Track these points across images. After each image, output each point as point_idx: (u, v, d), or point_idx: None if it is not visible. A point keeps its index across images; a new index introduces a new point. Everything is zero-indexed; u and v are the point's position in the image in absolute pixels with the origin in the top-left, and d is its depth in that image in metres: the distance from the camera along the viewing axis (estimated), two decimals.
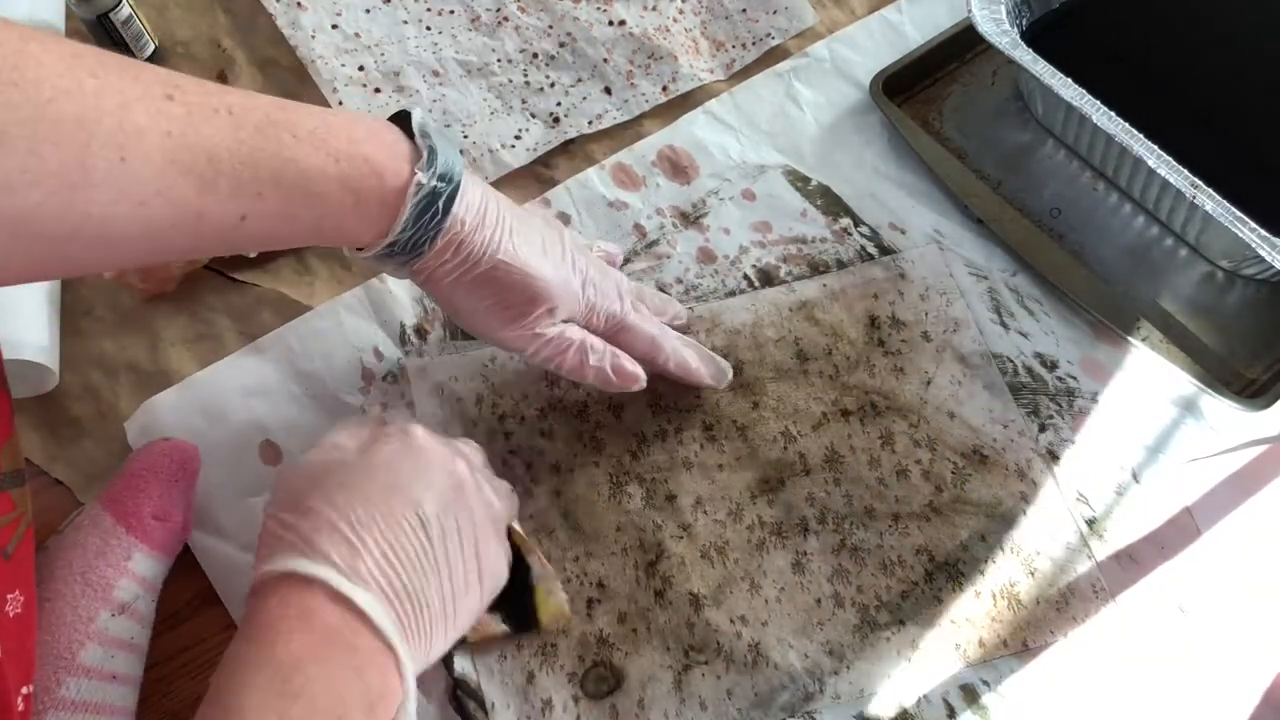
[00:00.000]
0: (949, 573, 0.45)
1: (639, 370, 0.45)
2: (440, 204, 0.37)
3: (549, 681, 0.43)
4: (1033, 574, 0.46)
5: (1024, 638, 0.44)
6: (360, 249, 0.38)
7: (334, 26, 0.61)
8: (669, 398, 0.49)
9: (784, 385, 0.49)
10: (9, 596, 0.34)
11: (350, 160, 0.35)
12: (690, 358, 0.47)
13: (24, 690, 0.33)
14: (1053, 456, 0.49)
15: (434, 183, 0.37)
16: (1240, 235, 0.45)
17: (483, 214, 0.39)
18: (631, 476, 0.47)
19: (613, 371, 0.44)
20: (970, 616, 0.44)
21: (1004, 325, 0.52)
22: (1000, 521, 0.47)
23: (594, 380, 0.44)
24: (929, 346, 0.51)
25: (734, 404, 0.49)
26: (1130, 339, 0.50)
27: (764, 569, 0.45)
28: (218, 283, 0.53)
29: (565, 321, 0.43)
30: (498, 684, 0.43)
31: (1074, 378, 0.51)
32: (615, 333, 0.45)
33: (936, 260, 0.53)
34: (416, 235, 0.38)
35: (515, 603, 0.42)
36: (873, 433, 0.48)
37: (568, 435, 0.48)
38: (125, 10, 0.55)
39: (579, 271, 0.43)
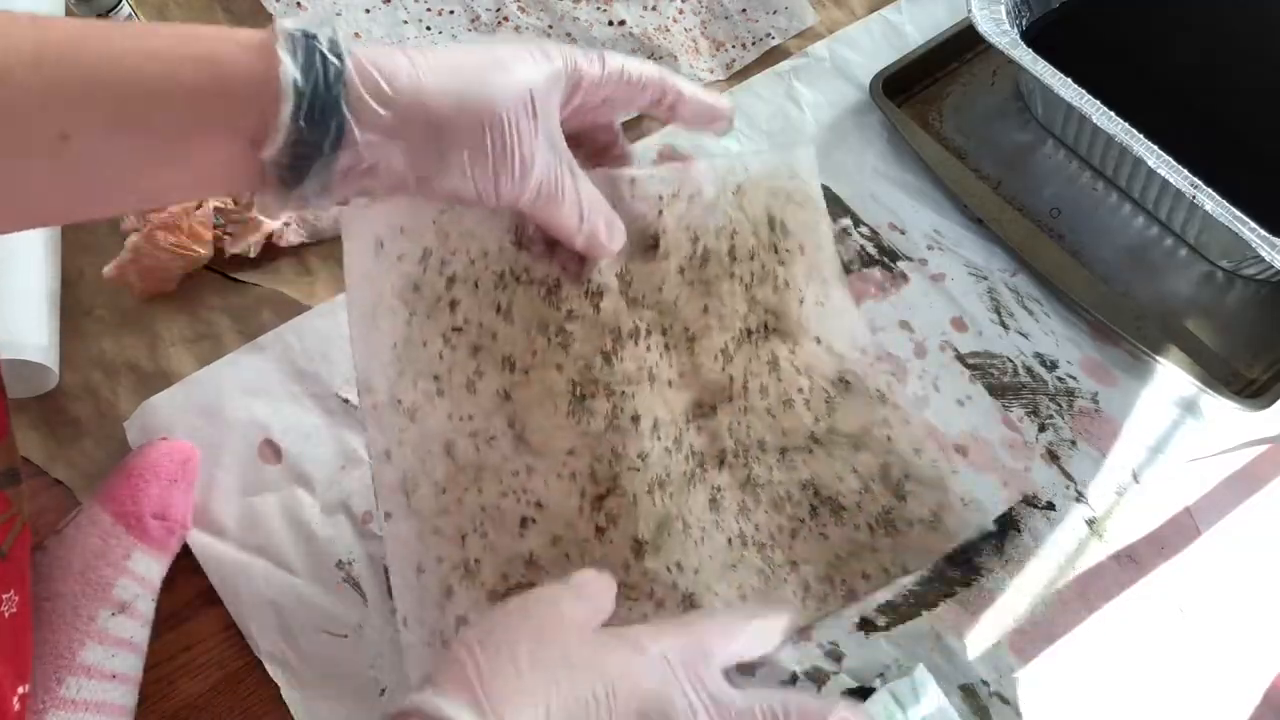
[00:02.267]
0: (831, 506, 0.44)
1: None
2: (323, 52, 0.28)
3: (467, 598, 0.38)
4: (903, 499, 0.45)
5: (903, 564, 0.44)
6: (271, 189, 0.29)
7: None
8: (640, 284, 0.40)
9: (727, 285, 0.42)
10: (4, 596, 0.34)
11: (198, 42, 0.28)
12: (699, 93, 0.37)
13: (20, 690, 0.33)
14: (1052, 456, 0.48)
15: (302, 31, 0.28)
16: (1240, 235, 0.45)
17: (390, 57, 0.29)
18: (600, 388, 0.39)
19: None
20: (853, 550, 0.44)
21: (1004, 325, 0.52)
22: (868, 450, 0.45)
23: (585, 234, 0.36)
24: (803, 261, 0.45)
25: (690, 304, 0.41)
26: (1130, 339, 0.50)
27: (690, 506, 0.40)
28: (217, 282, 0.53)
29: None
30: (414, 597, 0.38)
31: (1074, 378, 0.51)
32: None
33: (810, 164, 0.46)
34: (318, 103, 0.28)
35: None
36: (763, 357, 0.44)
37: (529, 320, 0.38)
38: (125, 10, 0.55)
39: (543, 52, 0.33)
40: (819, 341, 0.46)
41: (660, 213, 0.40)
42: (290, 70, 0.27)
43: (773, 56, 0.62)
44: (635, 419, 0.39)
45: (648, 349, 0.40)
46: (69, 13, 0.58)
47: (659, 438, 0.40)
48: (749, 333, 0.43)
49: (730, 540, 0.41)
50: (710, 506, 0.41)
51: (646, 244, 0.40)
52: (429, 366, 0.38)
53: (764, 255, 0.44)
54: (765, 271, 0.44)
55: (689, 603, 0.39)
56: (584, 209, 0.35)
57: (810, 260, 0.45)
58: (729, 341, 0.42)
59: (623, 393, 0.39)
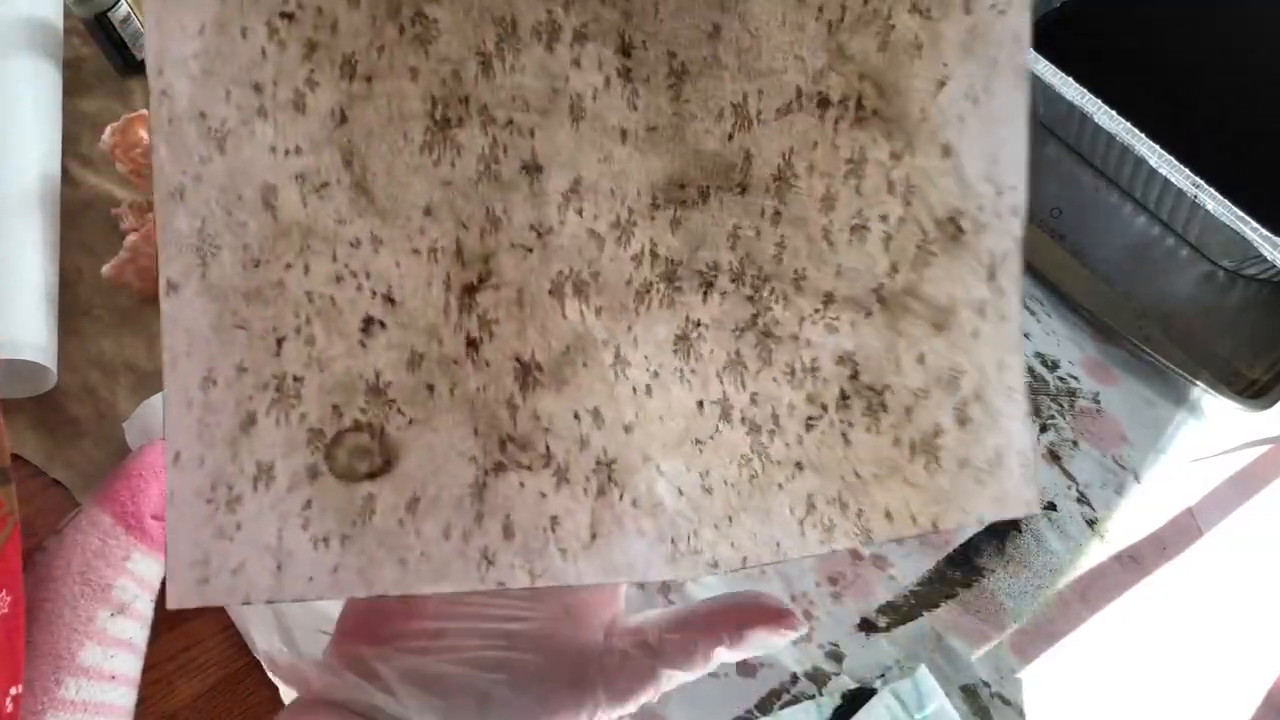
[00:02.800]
0: (869, 400, 0.31)
1: None
2: None
3: (276, 436, 0.26)
4: (963, 424, 0.32)
5: (934, 516, 0.31)
6: None
7: None
8: None
9: (770, 7, 0.28)
10: None
11: None
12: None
13: (12, 691, 0.33)
14: (1054, 457, 0.48)
15: None
16: (1242, 235, 0.45)
17: None
18: (471, 108, 0.27)
19: None
20: (879, 473, 0.31)
21: None
22: (947, 338, 0.31)
23: None
24: (964, 21, 0.31)
25: (682, 15, 0.28)
26: (1132, 339, 0.50)
27: (637, 336, 0.28)
28: None
29: None
30: (193, 421, 0.28)
31: (1075, 378, 0.51)
32: None
33: None
34: None
35: None
36: (844, 150, 0.31)
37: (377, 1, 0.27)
38: (123, 9, 0.55)
39: None
40: (947, 154, 0.31)
41: None
42: None
43: None
44: (531, 169, 0.27)
45: (576, 63, 0.27)
46: (67, 11, 0.58)
47: (578, 209, 0.27)
48: (821, 101, 0.29)
49: (702, 405, 0.28)
50: (676, 347, 0.29)
51: None
52: (248, 71, 0.27)
53: None
54: (873, 11, 0.30)
55: (608, 476, 0.27)
56: None
57: (976, 23, 0.31)
58: (762, 100, 0.29)
59: (510, 122, 0.27)
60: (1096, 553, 0.46)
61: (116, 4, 0.54)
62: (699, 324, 0.29)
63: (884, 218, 0.30)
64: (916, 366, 0.31)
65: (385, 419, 0.27)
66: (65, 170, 0.54)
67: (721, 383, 0.29)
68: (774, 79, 0.29)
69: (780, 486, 0.29)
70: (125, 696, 0.40)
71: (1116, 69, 0.53)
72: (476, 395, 0.27)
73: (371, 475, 0.26)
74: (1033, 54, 0.51)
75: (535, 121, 0.27)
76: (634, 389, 0.28)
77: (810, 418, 0.30)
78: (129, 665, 0.40)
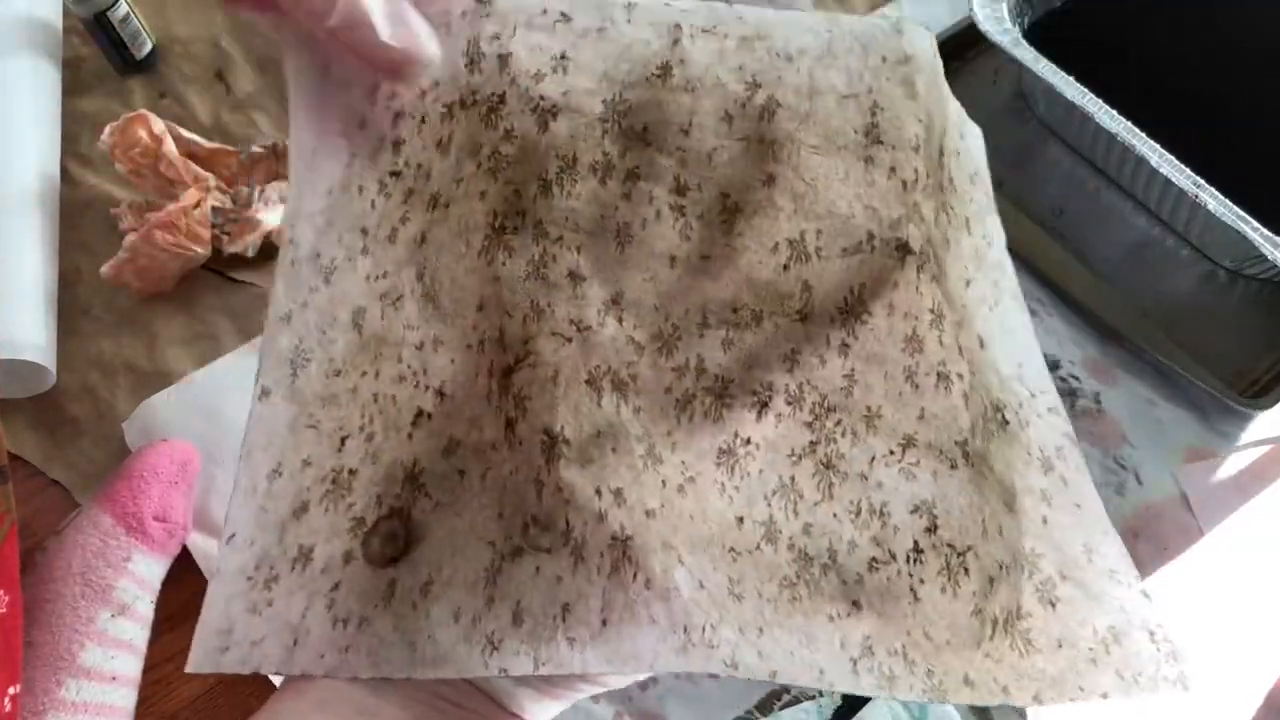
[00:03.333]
0: (947, 558, 0.28)
1: None
2: None
3: (323, 522, 0.28)
4: (1052, 605, 0.30)
5: (1034, 691, 0.28)
6: None
7: None
8: (641, 117, 0.30)
9: (829, 163, 0.30)
10: None
11: None
12: None
13: (11, 691, 0.33)
14: None
15: None
16: (1243, 234, 0.45)
17: None
18: (527, 220, 0.29)
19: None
20: (953, 640, 0.28)
21: None
22: (1017, 522, 0.31)
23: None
24: (970, 241, 0.34)
25: (736, 164, 0.30)
26: (1133, 339, 0.50)
27: (676, 442, 0.28)
28: (215, 282, 0.52)
29: None
30: (254, 508, 0.29)
31: (1076, 378, 0.51)
32: None
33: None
34: None
35: None
36: (927, 299, 0.30)
37: (463, 147, 0.30)
38: (123, 8, 0.55)
39: None
40: (984, 345, 0.33)
41: (677, 42, 0.31)
42: None
43: None
44: (576, 277, 0.28)
45: (626, 196, 0.29)
46: (66, 10, 0.57)
47: (619, 317, 0.28)
48: (900, 247, 0.29)
49: (743, 521, 0.27)
50: (719, 460, 0.28)
51: (650, 73, 0.30)
52: (358, 218, 0.31)
53: (927, 155, 0.31)
54: (936, 184, 0.31)
55: (623, 552, 0.25)
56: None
57: (977, 245, 0.33)
58: (821, 238, 0.30)
59: (560, 238, 0.28)
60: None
61: (115, 3, 0.54)
62: (749, 442, 0.28)
63: (961, 376, 0.30)
64: (998, 538, 0.29)
65: (413, 503, 0.27)
66: (64, 170, 0.54)
67: (769, 505, 0.28)
68: (836, 221, 0.30)
69: (831, 619, 0.27)
70: (126, 697, 0.40)
71: (1117, 69, 0.53)
72: (509, 478, 0.27)
73: (395, 560, 0.27)
74: (1034, 53, 0.51)
75: (582, 241, 0.29)
76: (663, 482, 0.27)
77: (875, 559, 0.28)
78: (129, 666, 0.40)
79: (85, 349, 0.50)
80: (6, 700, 0.33)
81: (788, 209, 0.30)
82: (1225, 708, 0.44)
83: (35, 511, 0.46)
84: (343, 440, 0.29)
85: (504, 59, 0.29)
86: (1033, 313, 0.52)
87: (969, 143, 0.35)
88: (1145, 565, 0.46)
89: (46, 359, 0.47)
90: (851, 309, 0.29)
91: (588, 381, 0.27)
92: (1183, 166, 0.47)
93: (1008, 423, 0.32)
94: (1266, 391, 0.49)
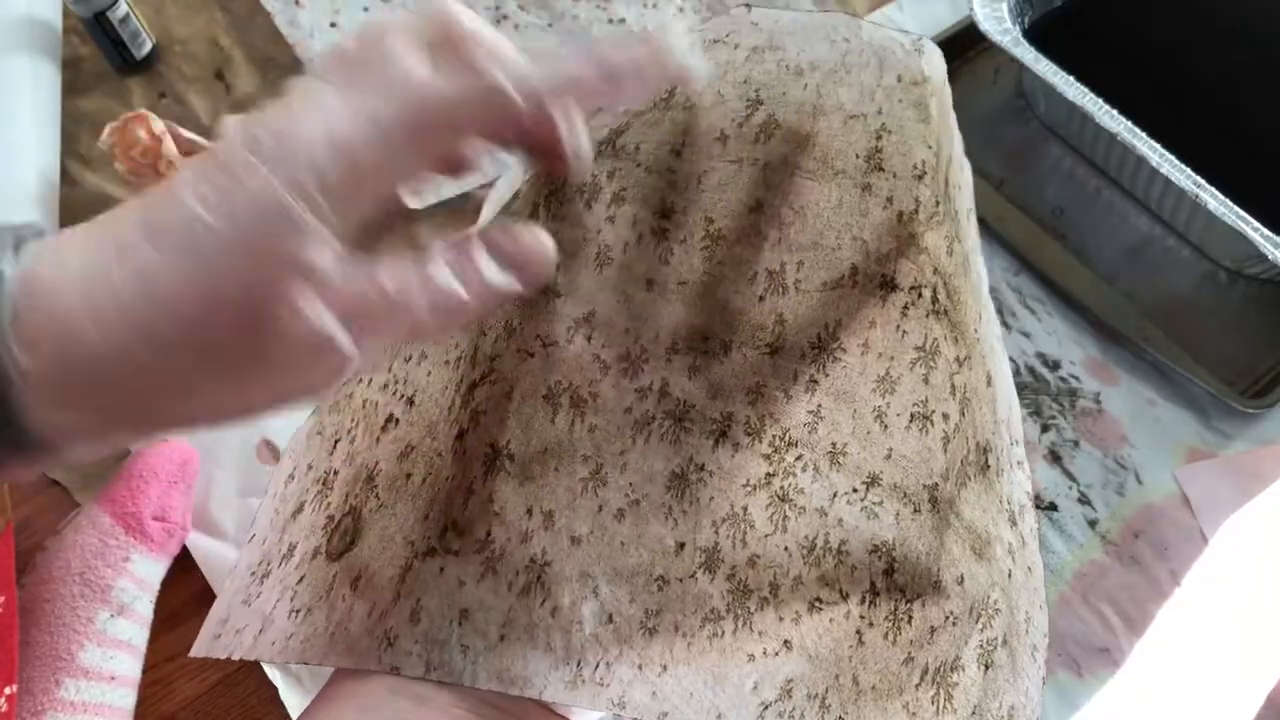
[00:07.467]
0: (896, 603, 0.27)
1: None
2: None
3: (308, 521, 0.30)
4: (986, 668, 0.29)
5: None
6: None
7: (332, 25, 0.61)
8: (636, 133, 0.29)
9: (822, 190, 0.29)
10: None
11: None
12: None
13: (7, 690, 0.33)
14: (1055, 457, 0.48)
15: None
16: (1243, 234, 0.45)
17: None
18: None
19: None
20: (879, 687, 0.27)
21: (1006, 325, 0.52)
22: (987, 571, 0.29)
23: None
24: (974, 236, 0.33)
25: (725, 188, 0.29)
26: (1133, 339, 0.50)
27: (627, 460, 0.27)
28: None
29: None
30: (271, 510, 0.32)
31: (1076, 378, 0.51)
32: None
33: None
34: None
35: None
36: (913, 336, 0.28)
37: None
38: (122, 8, 0.55)
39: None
40: (990, 383, 0.31)
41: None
42: None
43: None
44: (551, 293, 0.28)
45: (610, 220, 0.28)
46: (66, 10, 0.57)
47: (588, 335, 0.28)
48: (885, 283, 0.28)
49: (683, 547, 0.27)
50: (670, 484, 0.27)
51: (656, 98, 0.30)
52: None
53: (934, 183, 0.29)
54: (939, 213, 0.29)
55: (538, 576, 0.25)
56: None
57: (976, 245, 0.33)
58: (801, 270, 0.28)
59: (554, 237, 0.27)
60: (1097, 553, 0.46)
61: (115, 3, 0.54)
62: (702, 468, 0.28)
63: (945, 416, 0.29)
64: (956, 587, 0.28)
65: (365, 502, 0.28)
66: (65, 170, 0.54)
67: (716, 533, 0.27)
68: (821, 253, 0.28)
69: (752, 659, 0.26)
70: (125, 697, 0.40)
71: (1116, 68, 0.53)
72: (444, 484, 0.27)
73: (340, 555, 0.28)
74: (1034, 52, 0.51)
75: (563, 261, 0.28)
76: (600, 506, 0.27)
77: (818, 599, 0.27)
78: (128, 666, 0.40)
79: None
80: (3, 700, 0.33)
81: (771, 238, 0.29)
82: (1226, 709, 0.44)
83: (36, 511, 0.46)
84: (334, 444, 0.31)
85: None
86: (1032, 312, 0.52)
87: (965, 176, 0.34)
88: (1145, 565, 0.46)
89: None
90: (824, 345, 0.28)
91: (545, 396, 0.27)
92: (1183, 166, 0.47)
93: (988, 467, 0.31)
94: (1267, 391, 0.49)
